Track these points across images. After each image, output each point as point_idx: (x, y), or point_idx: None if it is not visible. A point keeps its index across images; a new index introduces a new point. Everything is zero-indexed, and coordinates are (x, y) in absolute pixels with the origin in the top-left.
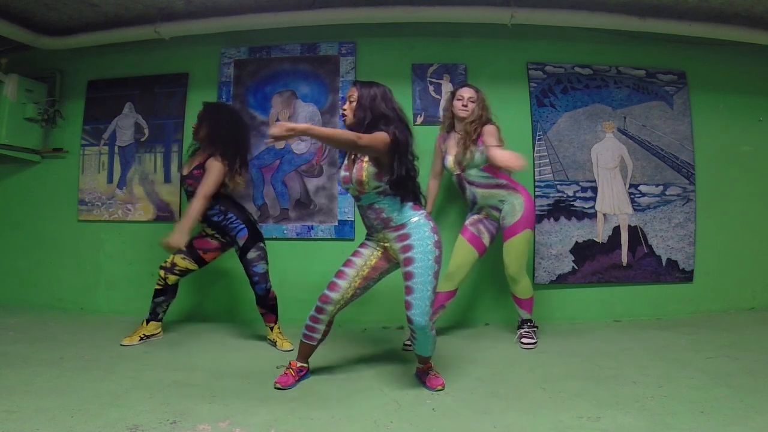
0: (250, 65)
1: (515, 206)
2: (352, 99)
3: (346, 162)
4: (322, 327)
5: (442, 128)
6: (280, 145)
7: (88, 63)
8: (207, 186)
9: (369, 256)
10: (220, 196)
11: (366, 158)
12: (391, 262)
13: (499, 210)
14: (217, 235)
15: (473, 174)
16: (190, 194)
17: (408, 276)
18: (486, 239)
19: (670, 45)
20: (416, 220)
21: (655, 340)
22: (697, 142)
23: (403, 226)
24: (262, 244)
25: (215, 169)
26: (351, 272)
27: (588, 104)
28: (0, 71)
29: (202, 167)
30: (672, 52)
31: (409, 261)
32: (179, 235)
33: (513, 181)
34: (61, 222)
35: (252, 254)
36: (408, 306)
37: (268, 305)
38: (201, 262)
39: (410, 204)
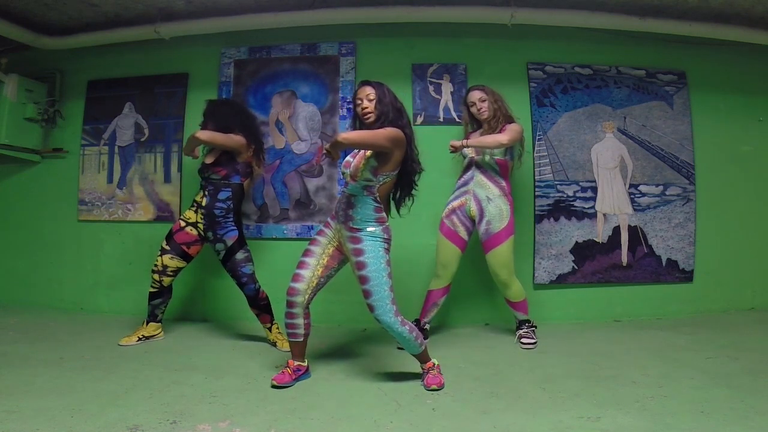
0: (250, 65)
1: (503, 211)
2: (371, 97)
3: (355, 151)
4: (299, 321)
5: (468, 129)
6: (280, 144)
7: (88, 63)
8: (225, 137)
9: (326, 245)
10: (242, 193)
11: (369, 151)
12: (344, 253)
13: (481, 207)
14: (200, 225)
15: (485, 161)
16: (212, 183)
17: (363, 280)
18: (463, 233)
19: (670, 45)
20: (372, 230)
21: (655, 340)
22: (697, 142)
23: (358, 230)
24: (247, 247)
25: (238, 138)
26: (312, 261)
27: (588, 104)
28: (0, 71)
29: (228, 154)
30: (672, 52)
31: (361, 265)
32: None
33: (509, 190)
34: (61, 222)
35: (240, 255)
36: (370, 308)
37: (259, 305)
38: (187, 257)
39: (377, 215)
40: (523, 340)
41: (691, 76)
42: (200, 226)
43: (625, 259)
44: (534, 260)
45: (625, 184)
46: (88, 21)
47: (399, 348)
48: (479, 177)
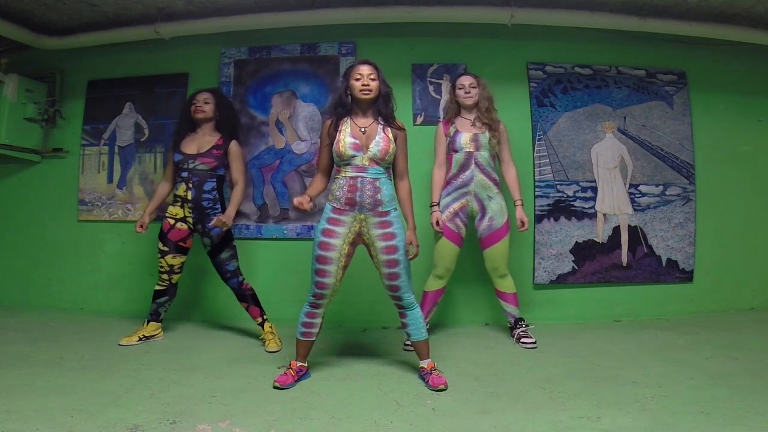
0: (250, 65)
1: (503, 207)
2: (372, 77)
3: (350, 130)
4: (319, 320)
5: (446, 116)
6: (280, 144)
7: (88, 63)
8: (244, 172)
9: (341, 247)
10: (224, 182)
11: (391, 134)
12: (356, 244)
13: (483, 205)
14: (189, 219)
15: (484, 157)
16: (197, 174)
17: (394, 263)
18: (464, 233)
19: (670, 45)
20: (396, 211)
21: (655, 340)
22: (697, 142)
23: (387, 213)
24: (233, 243)
25: (242, 154)
26: (332, 269)
27: (588, 104)
28: (0, 71)
29: (221, 148)
30: (672, 52)
31: (394, 249)
32: (229, 218)
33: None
34: (61, 222)
35: (225, 254)
36: (397, 288)
37: (245, 296)
38: (185, 251)
39: (395, 195)
40: (524, 340)
41: (691, 76)
42: (189, 219)
43: (625, 259)
44: (534, 260)
45: (625, 184)
46: (88, 21)
47: (404, 349)
48: (480, 176)
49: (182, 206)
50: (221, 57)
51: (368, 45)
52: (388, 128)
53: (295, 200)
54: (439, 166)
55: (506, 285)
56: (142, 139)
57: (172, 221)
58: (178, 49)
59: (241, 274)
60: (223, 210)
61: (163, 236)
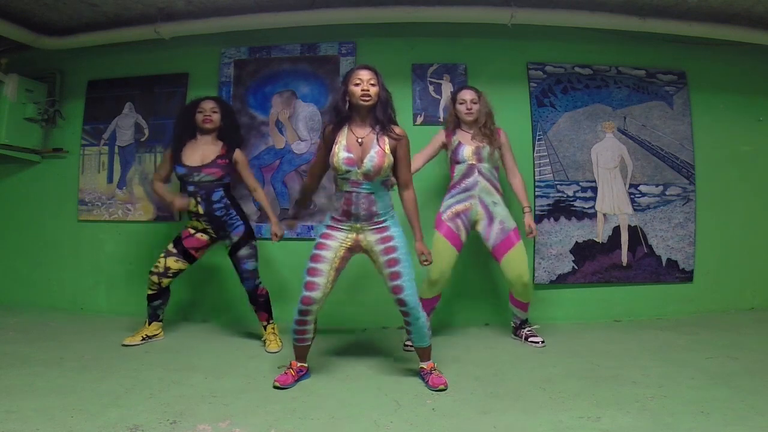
0: (250, 65)
1: (509, 213)
2: (372, 82)
3: (345, 143)
4: (311, 327)
5: (446, 126)
6: (280, 144)
7: (88, 63)
8: (252, 177)
9: (338, 248)
10: (229, 190)
11: (387, 148)
12: (355, 251)
13: (490, 210)
14: (210, 230)
15: (487, 168)
16: (203, 186)
17: (394, 263)
18: (464, 237)
19: (670, 45)
20: (394, 218)
21: (655, 340)
22: (697, 142)
23: (383, 221)
24: (254, 242)
25: (247, 160)
26: (324, 268)
27: (588, 104)
28: (0, 71)
29: (225, 158)
30: (672, 52)
31: (392, 249)
32: (278, 226)
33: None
34: (61, 222)
35: (244, 251)
36: (399, 290)
37: (257, 302)
38: (191, 259)
39: (391, 203)
40: (532, 339)
41: (691, 76)
42: (210, 231)
43: (625, 259)
44: (534, 260)
45: (625, 184)
46: (88, 21)
47: (404, 349)
48: (484, 183)
49: (198, 220)
50: (221, 57)
51: (368, 45)
52: (385, 138)
53: (285, 223)
54: (416, 158)
55: (529, 294)
56: (142, 139)
57: (192, 231)
58: (178, 49)
59: (259, 277)
60: (238, 213)
61: (177, 239)
